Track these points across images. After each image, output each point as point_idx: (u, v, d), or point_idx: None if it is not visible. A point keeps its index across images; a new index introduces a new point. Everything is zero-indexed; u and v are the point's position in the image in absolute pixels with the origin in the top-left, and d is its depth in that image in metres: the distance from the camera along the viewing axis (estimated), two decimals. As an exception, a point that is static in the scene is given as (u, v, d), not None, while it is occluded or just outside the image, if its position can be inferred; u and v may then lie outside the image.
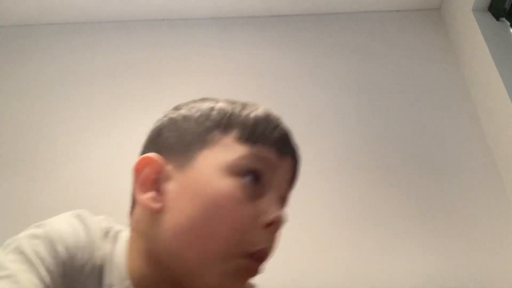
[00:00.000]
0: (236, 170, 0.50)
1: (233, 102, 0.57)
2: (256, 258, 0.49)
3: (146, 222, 0.52)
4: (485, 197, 1.26)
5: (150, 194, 0.51)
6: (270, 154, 0.53)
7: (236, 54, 1.67)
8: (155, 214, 0.51)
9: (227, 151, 0.51)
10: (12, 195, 1.38)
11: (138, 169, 0.53)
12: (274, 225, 0.50)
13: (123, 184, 1.46)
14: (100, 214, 0.57)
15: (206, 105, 0.56)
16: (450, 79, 1.54)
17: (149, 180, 0.52)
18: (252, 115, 0.54)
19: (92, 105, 1.57)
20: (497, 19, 1.44)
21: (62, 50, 1.73)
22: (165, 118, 0.57)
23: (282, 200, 0.56)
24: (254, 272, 0.51)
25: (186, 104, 0.58)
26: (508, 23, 1.43)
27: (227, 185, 0.49)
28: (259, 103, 0.61)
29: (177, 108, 0.58)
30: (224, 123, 0.53)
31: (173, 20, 1.79)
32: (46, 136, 1.51)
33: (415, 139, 1.40)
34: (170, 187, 0.51)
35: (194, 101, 0.59)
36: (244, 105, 0.56)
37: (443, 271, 1.14)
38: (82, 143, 1.48)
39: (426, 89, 1.52)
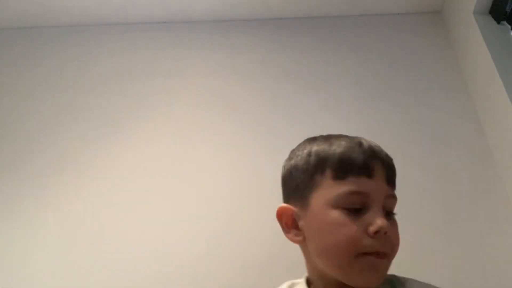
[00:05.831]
0: (337, 204, 0.67)
1: (325, 140, 0.73)
2: (378, 256, 0.65)
3: (304, 250, 0.75)
4: (484, 197, 1.26)
5: (292, 232, 0.73)
6: (361, 181, 0.67)
7: (238, 56, 1.68)
8: (303, 244, 0.73)
9: (327, 191, 0.68)
10: (13, 197, 1.38)
11: (278, 217, 0.75)
12: (380, 232, 0.64)
13: (124, 184, 1.47)
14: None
15: (306, 151, 0.73)
16: (450, 82, 1.54)
17: (288, 222, 0.73)
18: (337, 153, 0.69)
19: (92, 107, 1.57)
20: (498, 22, 1.44)
21: (63, 52, 1.74)
22: (284, 169, 0.78)
23: (390, 198, 0.70)
24: (381, 266, 0.66)
25: (294, 151, 0.77)
26: (509, 26, 1.43)
27: (334, 216, 0.66)
28: (343, 135, 0.74)
29: (289, 157, 0.77)
30: (319, 167, 0.70)
31: (174, 23, 1.80)
32: (49, 138, 1.51)
33: (416, 140, 1.40)
34: (302, 223, 0.71)
35: (300, 146, 0.77)
36: (331, 143, 0.72)
37: (442, 271, 1.14)
38: (85, 145, 1.48)
39: (427, 91, 1.52)
